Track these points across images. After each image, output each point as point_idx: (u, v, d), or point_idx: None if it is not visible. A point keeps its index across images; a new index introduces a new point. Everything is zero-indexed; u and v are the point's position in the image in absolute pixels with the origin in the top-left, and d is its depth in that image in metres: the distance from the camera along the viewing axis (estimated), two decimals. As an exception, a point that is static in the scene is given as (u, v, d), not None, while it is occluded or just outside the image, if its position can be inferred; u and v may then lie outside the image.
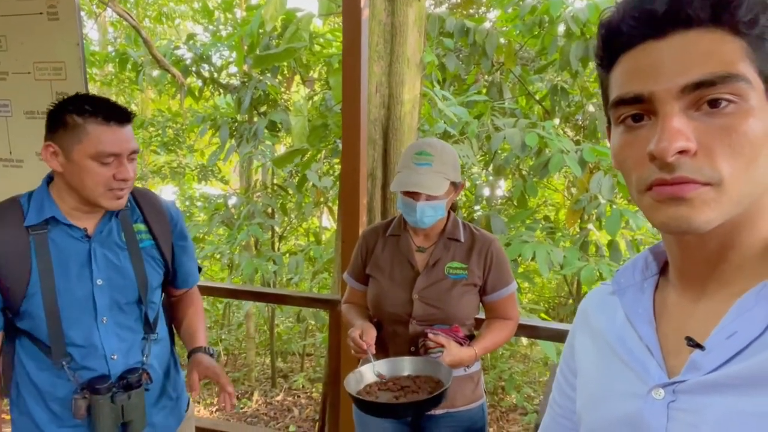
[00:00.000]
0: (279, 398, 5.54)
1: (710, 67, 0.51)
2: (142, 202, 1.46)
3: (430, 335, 1.56)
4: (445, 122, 3.63)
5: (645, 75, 0.53)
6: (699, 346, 0.55)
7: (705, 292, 0.59)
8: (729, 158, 0.51)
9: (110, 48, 7.82)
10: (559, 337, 2.27)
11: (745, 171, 0.51)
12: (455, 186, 1.64)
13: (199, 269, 1.68)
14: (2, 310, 1.31)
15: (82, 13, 2.53)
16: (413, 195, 1.57)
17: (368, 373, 1.58)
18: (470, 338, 1.69)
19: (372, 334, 1.60)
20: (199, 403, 5.33)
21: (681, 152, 0.51)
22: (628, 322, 0.65)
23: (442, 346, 1.54)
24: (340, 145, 4.07)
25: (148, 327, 1.44)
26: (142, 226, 1.44)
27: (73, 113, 1.25)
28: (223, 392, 1.37)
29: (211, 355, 1.47)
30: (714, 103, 0.51)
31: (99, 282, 1.33)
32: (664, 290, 0.65)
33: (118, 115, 1.28)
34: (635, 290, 0.66)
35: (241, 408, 5.31)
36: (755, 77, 0.51)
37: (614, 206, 3.72)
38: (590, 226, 4.46)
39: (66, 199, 1.32)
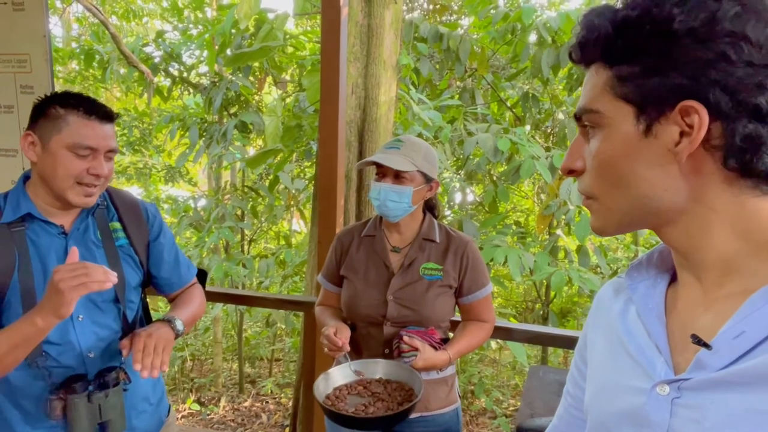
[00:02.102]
0: (247, 404, 5.45)
1: (581, 101, 0.62)
2: (117, 201, 1.45)
3: (405, 338, 1.54)
4: (419, 126, 3.64)
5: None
6: (705, 345, 0.55)
7: (711, 291, 0.59)
8: (594, 176, 0.62)
9: (74, 44, 7.58)
10: (534, 339, 2.29)
11: (610, 186, 0.60)
12: (427, 180, 1.62)
13: (202, 273, 1.64)
14: None
15: (48, 6, 2.44)
16: (379, 177, 1.60)
17: (338, 374, 1.57)
18: (445, 341, 1.68)
19: (346, 333, 1.58)
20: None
21: (570, 171, 0.64)
22: (639, 317, 0.65)
23: (417, 349, 1.53)
24: (314, 147, 4.06)
25: (127, 326, 1.41)
26: (117, 224, 1.43)
27: (56, 104, 1.27)
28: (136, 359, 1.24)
29: (170, 324, 1.37)
30: (586, 129, 0.62)
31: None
32: (677, 285, 0.65)
33: (101, 112, 1.30)
34: (648, 285, 0.67)
35: (208, 414, 5.20)
36: (616, 105, 0.58)
37: (583, 212, 3.78)
38: (559, 231, 4.54)
39: (40, 194, 1.32)
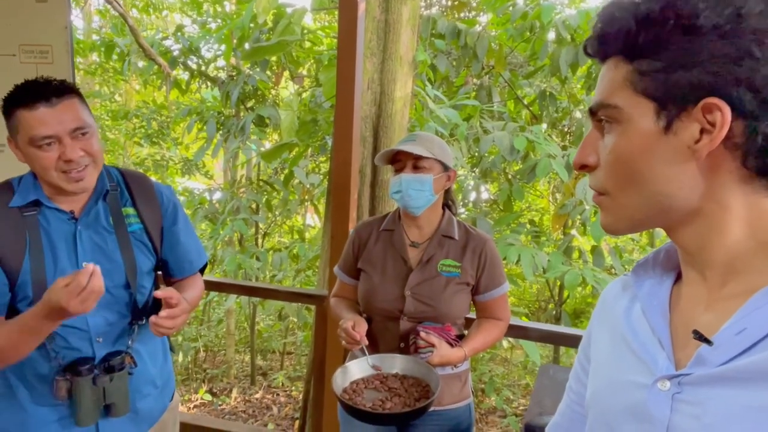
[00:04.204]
0: (258, 396, 5.49)
1: (598, 95, 0.61)
2: (132, 185, 1.44)
3: (422, 334, 1.55)
4: (435, 123, 3.63)
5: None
6: (707, 340, 0.55)
7: (715, 289, 0.59)
8: (608, 172, 0.60)
9: (95, 37, 7.68)
10: (549, 338, 2.28)
11: (625, 182, 0.59)
12: (445, 169, 1.63)
13: (205, 266, 1.64)
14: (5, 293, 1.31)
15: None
16: (397, 171, 1.62)
17: (355, 368, 1.57)
18: (460, 337, 1.69)
19: (364, 326, 1.59)
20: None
21: (583, 167, 0.63)
22: (643, 314, 0.65)
23: (433, 345, 1.53)
24: (329, 142, 4.07)
25: (137, 311, 1.41)
26: (131, 210, 1.42)
27: (8, 104, 1.25)
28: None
29: None
30: (602, 124, 0.61)
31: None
32: (681, 283, 0.65)
33: (47, 94, 1.22)
34: (653, 283, 0.67)
35: (220, 405, 5.25)
36: (636, 101, 0.57)
37: (599, 212, 3.74)
38: (574, 231, 4.50)
39: (43, 183, 1.33)
